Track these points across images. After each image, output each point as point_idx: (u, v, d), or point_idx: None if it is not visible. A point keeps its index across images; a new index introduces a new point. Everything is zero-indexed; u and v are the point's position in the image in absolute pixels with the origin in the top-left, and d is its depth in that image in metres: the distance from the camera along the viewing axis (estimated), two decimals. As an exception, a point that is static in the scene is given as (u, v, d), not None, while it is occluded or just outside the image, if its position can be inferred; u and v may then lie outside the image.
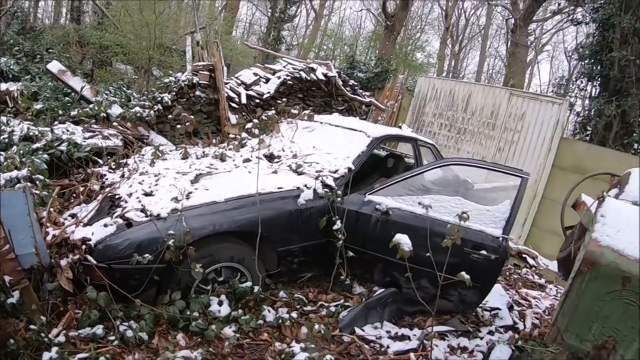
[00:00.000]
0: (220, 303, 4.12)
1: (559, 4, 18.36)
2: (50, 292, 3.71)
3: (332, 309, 4.67)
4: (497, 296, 5.65)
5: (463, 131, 11.09)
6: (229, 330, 3.93)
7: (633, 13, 11.61)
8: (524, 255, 8.22)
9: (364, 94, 11.50)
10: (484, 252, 4.48)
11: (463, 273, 3.91)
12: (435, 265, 4.10)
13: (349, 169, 5.17)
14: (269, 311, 4.36)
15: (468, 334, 4.82)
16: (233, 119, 8.23)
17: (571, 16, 16.31)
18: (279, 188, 4.68)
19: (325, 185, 4.89)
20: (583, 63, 14.03)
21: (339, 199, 4.86)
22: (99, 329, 3.55)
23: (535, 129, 10.09)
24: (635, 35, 11.81)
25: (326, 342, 4.18)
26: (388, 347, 4.28)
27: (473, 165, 5.47)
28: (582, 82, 14.44)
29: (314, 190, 4.78)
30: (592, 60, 13.11)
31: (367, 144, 5.59)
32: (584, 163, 9.29)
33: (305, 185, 4.80)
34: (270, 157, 5.60)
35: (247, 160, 5.41)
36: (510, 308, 5.59)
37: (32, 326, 3.26)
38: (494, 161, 10.24)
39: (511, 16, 21.79)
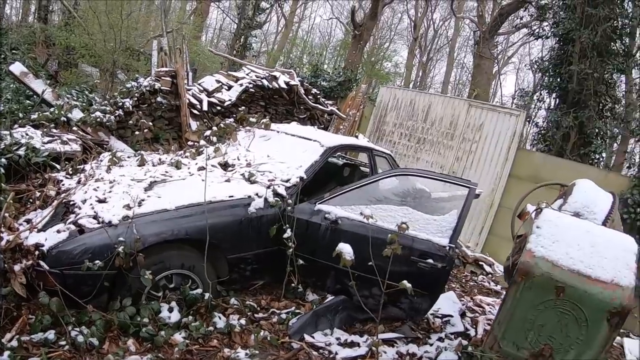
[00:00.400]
0: (170, 310, 4.19)
1: (521, 18, 18.80)
2: (3, 297, 3.74)
3: (283, 316, 4.76)
4: (449, 303, 5.82)
5: (422, 141, 11.33)
6: (178, 337, 4.00)
7: (592, 28, 12.05)
8: (480, 263, 8.42)
9: (326, 102, 11.67)
10: (430, 260, 4.63)
11: (405, 282, 4.06)
12: (384, 273, 4.23)
13: (301, 178, 5.29)
14: (220, 318, 4.42)
15: (418, 341, 4.96)
16: (194, 125, 8.29)
17: (534, 30, 16.80)
18: (230, 196, 4.77)
19: (276, 194, 4.99)
20: (544, 76, 14.48)
21: (289, 207, 4.97)
22: (50, 334, 3.61)
23: (493, 139, 10.35)
24: (594, 50, 12.27)
25: (275, 348, 4.27)
26: (337, 353, 4.37)
27: (421, 176, 5.65)
28: (541, 95, 14.92)
29: (265, 199, 4.88)
30: (552, 74, 13.55)
31: (321, 153, 5.71)
32: (541, 173, 9.61)
33: (257, 194, 4.89)
34: (224, 166, 5.68)
35: (202, 169, 5.47)
36: (463, 315, 5.74)
37: (-19, 330, 3.29)
38: (452, 170, 10.55)
39: (477, 29, 22.27)
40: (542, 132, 14.40)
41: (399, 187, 6.21)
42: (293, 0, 33.65)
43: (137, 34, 14.72)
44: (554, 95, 14.16)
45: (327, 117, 11.35)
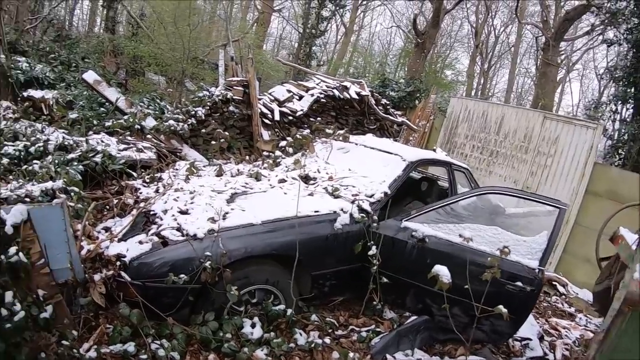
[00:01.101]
0: (253, 325, 4.08)
1: (593, 24, 18.06)
2: (82, 307, 3.70)
3: (364, 334, 4.63)
4: (528, 326, 5.55)
5: (495, 154, 10.93)
6: (260, 353, 3.89)
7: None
8: (554, 283, 8.06)
9: (395, 113, 11.45)
10: (519, 283, 4.41)
11: (501, 307, 3.94)
12: (470, 295, 4.10)
13: (385, 194, 5.12)
14: (301, 334, 4.31)
15: None
16: (266, 135, 8.22)
17: (603, 35, 16.08)
18: (315, 211, 4.63)
19: (361, 209, 4.82)
20: (616, 85, 13.81)
21: (375, 224, 4.79)
22: (130, 346, 3.53)
23: (568, 153, 9.87)
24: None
25: None
26: None
27: (514, 195, 5.36)
28: (615, 105, 14.22)
29: (351, 214, 4.73)
30: (627, 83, 12.88)
31: (403, 168, 5.55)
32: (619, 189, 9.07)
33: (342, 209, 4.74)
34: (305, 179, 5.57)
35: (282, 181, 5.38)
36: (541, 338, 5.52)
37: (64, 342, 3.23)
38: (526, 185, 10.12)
39: (542, 34, 21.56)
40: (617, 145, 13.67)
41: (477, 203, 5.94)
42: (353, 8, 33.58)
43: (202, 43, 14.86)
44: (628, 105, 13.44)
45: (396, 128, 11.12)
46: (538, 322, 6.02)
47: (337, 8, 22.55)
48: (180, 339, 3.72)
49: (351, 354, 4.20)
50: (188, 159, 6.89)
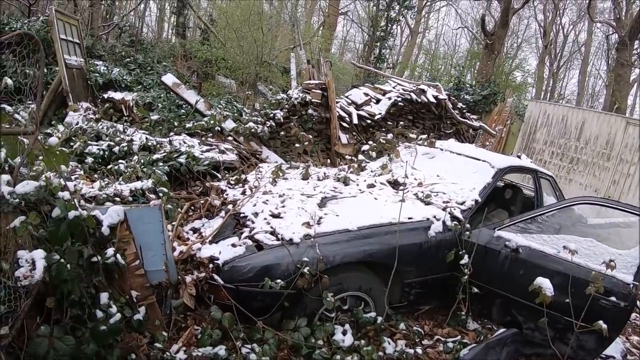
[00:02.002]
0: (344, 332, 4.03)
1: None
2: (173, 308, 3.73)
3: (450, 344, 4.51)
4: (615, 346, 5.32)
5: (576, 161, 10.54)
6: None
7: None
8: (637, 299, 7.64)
9: (471, 117, 11.23)
10: (613, 298, 4.23)
11: (601, 322, 3.86)
12: (566, 308, 4.02)
13: (476, 201, 5.01)
14: (389, 343, 4.22)
15: None
16: (344, 138, 8.20)
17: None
18: (409, 218, 4.57)
19: (453, 217, 4.74)
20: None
21: (467, 232, 4.69)
22: (221, 350, 3.52)
23: None
24: None
25: None
26: None
27: (607, 206, 5.12)
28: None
29: (443, 222, 4.65)
30: None
31: (492, 175, 5.43)
32: None
33: (435, 217, 4.67)
34: (394, 184, 5.50)
35: (371, 186, 5.33)
36: (624, 357, 5.26)
37: (156, 344, 3.29)
38: (608, 194, 9.70)
39: (613, 32, 20.63)
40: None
41: (563, 213, 5.72)
42: (418, 9, 33.22)
43: (271, 47, 15.04)
44: None
45: (471, 133, 10.90)
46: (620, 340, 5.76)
47: (404, 9, 22.38)
48: (272, 344, 3.70)
49: None
50: (269, 161, 6.91)
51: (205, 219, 5.07)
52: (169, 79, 9.08)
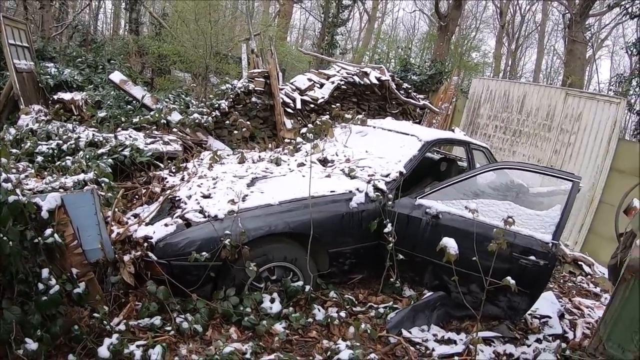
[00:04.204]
0: (272, 300, 4.28)
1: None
2: (113, 285, 3.98)
3: (381, 310, 4.72)
4: (548, 304, 5.53)
5: (518, 133, 10.87)
6: (279, 327, 4.08)
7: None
8: (579, 263, 7.98)
9: (418, 96, 11.54)
10: (532, 257, 4.41)
11: (509, 278, 3.93)
12: (485, 269, 4.10)
13: (401, 173, 5.23)
14: (319, 310, 4.46)
15: (515, 341, 4.77)
16: (288, 123, 8.41)
17: (629, 9, 15.71)
18: (331, 191, 4.78)
19: (377, 189, 4.96)
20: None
21: (390, 202, 4.92)
22: (157, 320, 3.79)
23: (592, 130, 9.67)
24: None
25: (373, 342, 4.26)
26: (433, 349, 4.30)
27: (522, 169, 5.42)
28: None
29: (366, 193, 4.87)
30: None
31: (419, 147, 5.63)
32: None
33: (358, 189, 4.88)
34: (324, 162, 5.72)
35: (301, 165, 5.55)
36: (561, 317, 5.45)
37: (95, 314, 3.52)
38: (550, 164, 10.04)
39: (567, 11, 21.15)
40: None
41: (496, 182, 5.97)
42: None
43: (225, 38, 15.12)
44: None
45: (419, 112, 11.22)
46: (561, 301, 5.99)
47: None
48: (203, 313, 3.96)
49: (363, 325, 4.31)
50: (213, 149, 7.12)
51: (147, 206, 5.32)
52: (117, 76, 9.21)
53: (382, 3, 36.90)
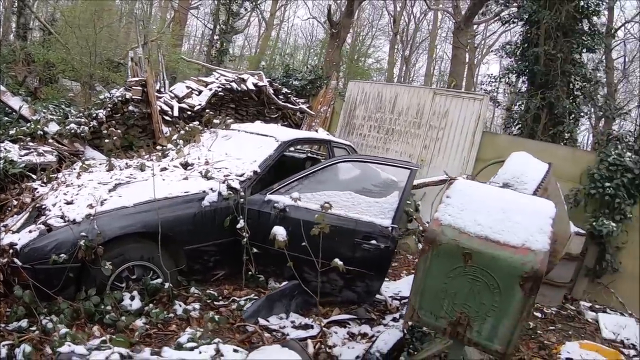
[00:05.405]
0: (132, 298, 4.61)
1: (487, 5, 19.10)
2: None
3: (242, 302, 5.06)
4: (408, 286, 6.12)
5: (391, 131, 11.61)
6: (139, 322, 4.40)
7: (556, 9, 12.31)
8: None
9: (298, 101, 12.05)
10: (374, 241, 4.94)
11: (337, 260, 4.47)
12: (333, 256, 4.60)
13: (255, 172, 5.67)
14: (180, 305, 4.80)
15: (372, 322, 5.20)
16: (167, 131, 8.68)
17: (502, 16, 17.15)
18: (185, 192, 5.17)
19: (230, 187, 5.36)
20: (512, 60, 14.85)
21: (242, 200, 5.34)
22: (23, 322, 4.07)
23: (458, 125, 10.58)
24: (558, 30, 12.52)
25: (231, 331, 4.63)
26: (288, 334, 4.64)
27: (361, 161, 5.99)
28: (508, 78, 15.25)
29: (219, 192, 5.27)
30: (519, 57, 13.87)
31: (275, 147, 6.05)
32: (506, 155, 9.78)
33: (211, 189, 5.28)
34: (185, 166, 6.06)
35: (164, 169, 5.88)
36: None
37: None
38: (421, 158, 10.87)
39: (454, 20, 22.67)
40: (514, 115, 14.72)
41: (359, 177, 6.52)
42: (272, 2, 33.90)
43: (115, 45, 14.96)
44: (523, 78, 14.47)
45: (299, 116, 11.73)
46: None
47: (250, 2, 23.05)
48: (67, 313, 4.24)
49: (217, 317, 4.68)
50: (88, 159, 7.32)
51: (17, 216, 5.55)
52: (-7, 87, 9.16)
53: (280, 11, 37.40)
